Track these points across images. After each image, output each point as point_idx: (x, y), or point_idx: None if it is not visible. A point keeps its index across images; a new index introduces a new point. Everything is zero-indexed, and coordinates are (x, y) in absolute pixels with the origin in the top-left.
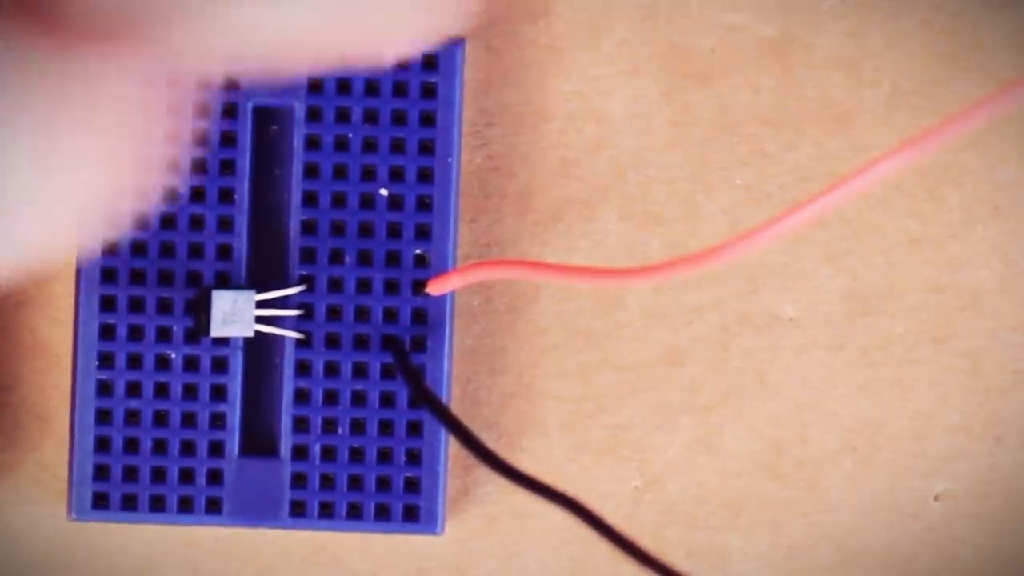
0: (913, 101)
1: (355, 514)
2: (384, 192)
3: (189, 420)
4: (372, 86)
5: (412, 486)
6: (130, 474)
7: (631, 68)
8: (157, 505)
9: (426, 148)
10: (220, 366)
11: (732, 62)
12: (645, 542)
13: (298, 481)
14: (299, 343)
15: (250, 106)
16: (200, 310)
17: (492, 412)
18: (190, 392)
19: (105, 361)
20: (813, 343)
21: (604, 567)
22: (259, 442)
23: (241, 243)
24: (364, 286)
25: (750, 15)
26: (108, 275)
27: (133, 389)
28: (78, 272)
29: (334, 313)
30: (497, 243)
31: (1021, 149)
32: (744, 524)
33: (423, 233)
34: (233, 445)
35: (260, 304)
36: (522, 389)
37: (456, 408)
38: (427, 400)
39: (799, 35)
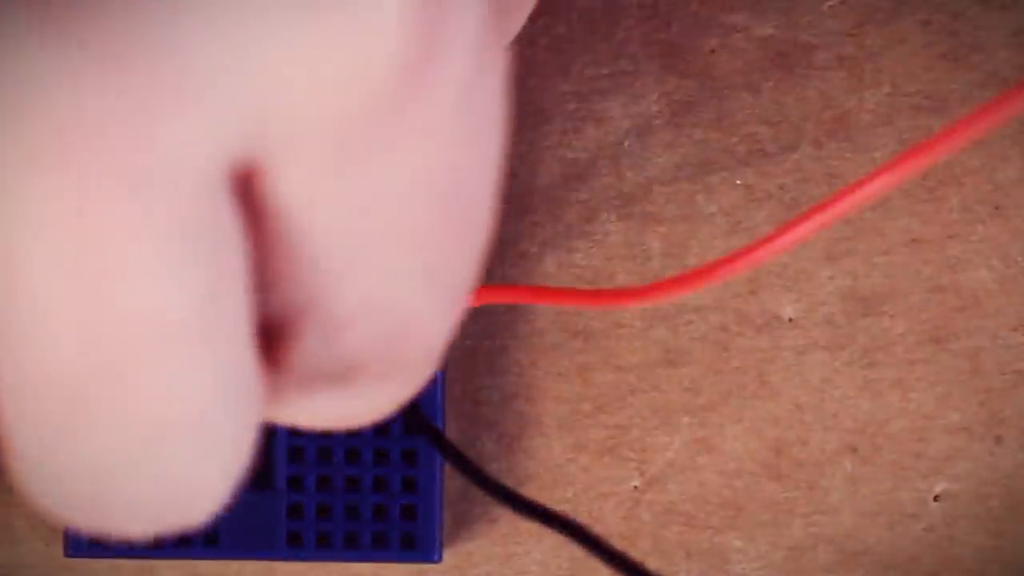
0: (913, 101)
1: (352, 544)
2: None
3: None
4: None
5: (409, 514)
6: None
7: (631, 68)
8: (154, 540)
9: None
10: None
11: (732, 62)
12: (645, 542)
13: (294, 512)
14: None
15: None
16: None
17: (492, 412)
18: None
19: None
20: (813, 343)
21: (604, 568)
22: (255, 474)
23: None
24: None
25: (750, 15)
26: None
27: None
28: None
29: None
30: (497, 243)
31: (1022, 149)
32: (744, 524)
33: None
34: None
35: None
36: (522, 389)
37: (456, 408)
38: (422, 427)
39: (799, 35)
